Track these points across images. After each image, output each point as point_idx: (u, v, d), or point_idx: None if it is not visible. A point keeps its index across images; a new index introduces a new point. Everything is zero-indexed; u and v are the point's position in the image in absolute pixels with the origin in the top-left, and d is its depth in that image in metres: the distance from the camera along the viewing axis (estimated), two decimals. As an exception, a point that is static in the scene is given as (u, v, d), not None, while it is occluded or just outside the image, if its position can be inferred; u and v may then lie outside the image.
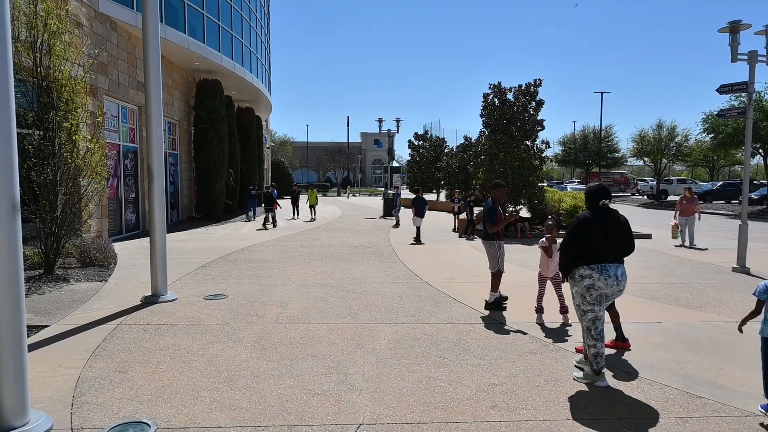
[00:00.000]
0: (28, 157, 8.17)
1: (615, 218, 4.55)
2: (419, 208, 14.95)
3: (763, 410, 3.86)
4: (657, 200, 36.03)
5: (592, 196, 4.60)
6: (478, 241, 14.01)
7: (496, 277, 6.80)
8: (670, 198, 38.18)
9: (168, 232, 7.84)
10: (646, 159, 38.78)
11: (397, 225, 18.47)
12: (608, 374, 4.66)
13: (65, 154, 8.57)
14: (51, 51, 8.37)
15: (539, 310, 6.40)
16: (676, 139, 36.90)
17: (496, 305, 6.83)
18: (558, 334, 5.83)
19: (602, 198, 4.57)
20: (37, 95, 8.40)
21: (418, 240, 14.26)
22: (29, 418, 3.58)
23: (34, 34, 8.21)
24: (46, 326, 5.96)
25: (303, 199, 23.12)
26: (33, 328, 5.82)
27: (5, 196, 3.44)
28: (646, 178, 49.62)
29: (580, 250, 4.49)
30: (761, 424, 3.76)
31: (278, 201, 20.36)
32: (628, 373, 4.69)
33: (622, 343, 5.37)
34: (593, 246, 4.45)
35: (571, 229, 4.59)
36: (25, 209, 7.73)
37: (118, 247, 11.87)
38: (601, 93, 44.54)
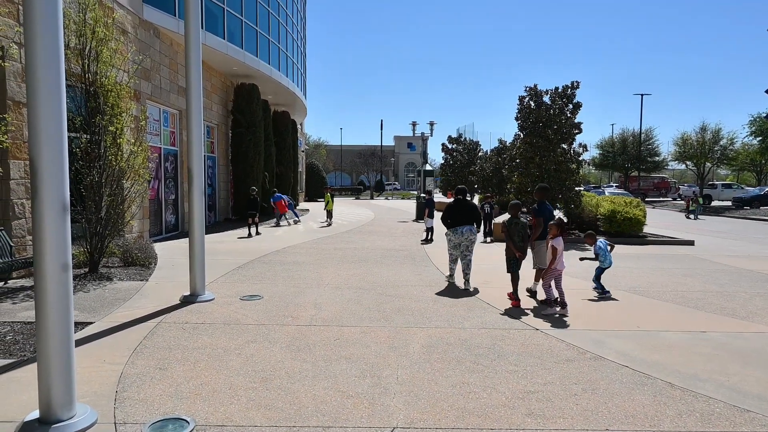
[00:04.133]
0: (76, 159, 8.51)
1: (466, 204, 8.44)
2: (430, 209, 15.68)
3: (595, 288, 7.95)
4: (699, 206, 34.81)
5: (456, 193, 8.63)
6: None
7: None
8: (714, 203, 36.80)
9: (205, 234, 8.02)
10: (688, 163, 37.59)
11: (428, 239, 14.99)
12: (656, 385, 4.54)
13: (110, 157, 8.89)
14: (98, 58, 8.69)
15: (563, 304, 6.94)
16: (721, 143, 35.63)
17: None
18: (596, 344, 5.69)
19: (460, 195, 8.57)
20: (84, 100, 8.74)
21: (428, 240, 14.79)
22: (75, 412, 3.72)
23: (82, 42, 8.55)
24: (91, 323, 6.18)
25: (337, 202, 22.91)
26: (79, 325, 6.05)
27: (57, 197, 3.59)
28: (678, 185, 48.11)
29: (451, 220, 8.42)
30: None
31: (284, 205, 19.52)
32: (671, 384, 4.54)
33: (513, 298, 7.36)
34: (453, 218, 8.41)
35: (445, 209, 8.54)
36: (72, 210, 8.03)
37: (158, 247, 12.22)
38: (641, 95, 43.42)
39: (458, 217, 8.40)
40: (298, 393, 4.27)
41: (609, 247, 8.10)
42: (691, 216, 26.28)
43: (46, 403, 3.62)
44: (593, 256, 8.10)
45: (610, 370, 4.86)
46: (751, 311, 7.18)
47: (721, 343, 5.71)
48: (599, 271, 8.04)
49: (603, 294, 7.88)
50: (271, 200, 19.45)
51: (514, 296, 7.35)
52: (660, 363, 5.07)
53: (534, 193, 8.36)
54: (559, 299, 6.96)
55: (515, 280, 7.39)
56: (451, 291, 8.21)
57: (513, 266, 7.43)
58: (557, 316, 6.78)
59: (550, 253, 7.04)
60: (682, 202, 37.28)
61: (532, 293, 7.92)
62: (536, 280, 7.82)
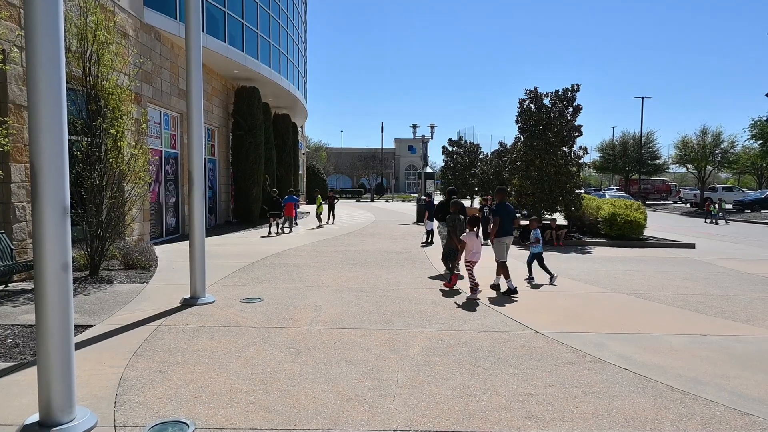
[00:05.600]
0: (77, 162, 8.51)
1: (456, 202, 9.01)
2: (431, 212, 15.64)
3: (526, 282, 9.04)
4: (701, 209, 34.81)
5: (449, 194, 10.15)
6: (511, 249, 13.78)
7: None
8: (715, 206, 36.77)
9: (206, 236, 8.02)
10: (689, 166, 37.59)
11: (428, 242, 15.14)
12: (657, 389, 4.53)
13: (111, 160, 8.90)
14: (99, 61, 8.70)
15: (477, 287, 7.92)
16: (722, 146, 35.65)
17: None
18: (596, 347, 5.69)
19: (452, 195, 10.00)
20: (85, 103, 8.75)
21: (429, 242, 14.87)
22: (75, 415, 3.71)
23: (84, 45, 8.56)
24: (91, 326, 6.18)
25: (339, 205, 22.75)
26: (79, 328, 6.05)
27: (57, 200, 3.60)
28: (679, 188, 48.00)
29: (442, 214, 10.22)
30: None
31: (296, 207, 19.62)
32: (671, 387, 4.54)
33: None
34: (444, 214, 9.94)
35: (437, 205, 10.49)
36: (72, 213, 8.05)
37: (158, 250, 12.22)
38: (642, 98, 43.39)
39: (448, 213, 9.47)
40: (298, 395, 4.27)
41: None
42: (720, 221, 25.60)
43: (46, 406, 3.62)
44: (533, 239, 9.20)
45: (610, 373, 4.85)
46: (752, 314, 7.17)
47: (722, 347, 5.71)
48: (533, 257, 9.21)
49: (530, 278, 9.21)
50: (283, 202, 19.46)
51: (449, 280, 8.57)
52: (660, 366, 5.07)
53: (495, 194, 9.18)
54: (472, 283, 7.91)
55: (452, 268, 8.76)
56: (451, 294, 8.21)
57: (451, 257, 8.72)
58: (478, 300, 7.73)
59: (461, 246, 8.17)
60: (684, 205, 37.21)
61: (495, 287, 8.51)
62: (497, 274, 8.48)
